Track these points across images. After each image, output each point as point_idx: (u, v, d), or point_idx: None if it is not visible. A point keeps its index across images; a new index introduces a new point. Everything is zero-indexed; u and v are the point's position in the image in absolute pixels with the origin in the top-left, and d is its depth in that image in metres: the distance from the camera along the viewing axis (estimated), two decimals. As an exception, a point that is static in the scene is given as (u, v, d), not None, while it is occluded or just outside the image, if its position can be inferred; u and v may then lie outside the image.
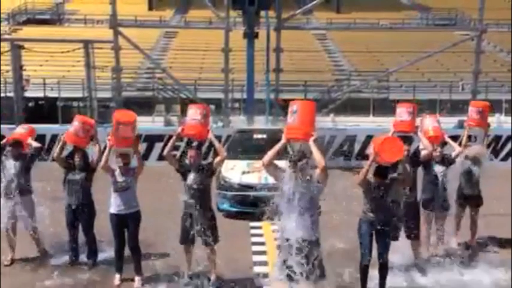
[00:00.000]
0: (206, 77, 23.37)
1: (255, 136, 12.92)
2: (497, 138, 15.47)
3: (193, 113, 7.32)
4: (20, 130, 8.77)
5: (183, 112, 12.55)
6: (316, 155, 6.09)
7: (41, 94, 21.68)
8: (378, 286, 7.04)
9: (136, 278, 7.50)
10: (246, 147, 12.06)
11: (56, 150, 8.12)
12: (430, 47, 20.22)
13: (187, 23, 32.79)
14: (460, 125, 15.05)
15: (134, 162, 7.55)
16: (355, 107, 21.51)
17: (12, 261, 8.23)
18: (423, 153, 7.99)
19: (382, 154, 6.69)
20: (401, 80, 23.65)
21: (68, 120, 8.63)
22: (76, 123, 8.01)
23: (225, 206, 10.71)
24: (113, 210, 7.43)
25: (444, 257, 8.16)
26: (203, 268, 7.47)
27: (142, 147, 12.29)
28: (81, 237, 8.20)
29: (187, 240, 7.33)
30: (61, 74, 22.62)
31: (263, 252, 8.66)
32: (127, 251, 7.59)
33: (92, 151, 8.08)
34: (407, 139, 7.79)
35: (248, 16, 16.73)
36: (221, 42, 17.54)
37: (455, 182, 8.79)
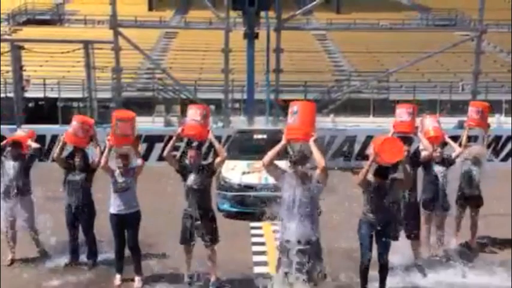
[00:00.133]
0: (206, 77, 23.34)
1: (255, 136, 12.95)
2: (497, 138, 15.45)
3: (193, 114, 7.31)
4: (20, 133, 8.80)
5: (183, 112, 12.51)
6: (316, 155, 6.09)
7: (41, 94, 21.62)
8: (378, 287, 7.04)
9: (137, 278, 7.51)
10: (246, 147, 12.05)
11: (55, 150, 8.12)
12: (430, 48, 20.18)
13: (187, 24, 32.77)
14: (460, 126, 15.00)
15: (134, 162, 7.55)
16: (355, 107, 21.50)
17: (12, 261, 8.23)
18: (423, 153, 7.99)
19: (382, 155, 6.69)
20: (401, 80, 23.61)
21: (68, 120, 8.61)
22: (75, 123, 8.00)
23: (225, 206, 10.72)
24: (112, 210, 7.44)
25: (444, 257, 8.17)
26: (203, 268, 7.47)
27: (142, 147, 12.27)
28: (81, 237, 8.20)
29: (187, 240, 7.33)
30: (61, 75, 22.58)
31: (263, 253, 8.66)
32: (127, 251, 7.60)
33: (92, 152, 8.08)
34: (407, 140, 7.79)
35: (248, 16, 16.70)
36: (221, 43, 17.50)
37: (455, 183, 8.78)
